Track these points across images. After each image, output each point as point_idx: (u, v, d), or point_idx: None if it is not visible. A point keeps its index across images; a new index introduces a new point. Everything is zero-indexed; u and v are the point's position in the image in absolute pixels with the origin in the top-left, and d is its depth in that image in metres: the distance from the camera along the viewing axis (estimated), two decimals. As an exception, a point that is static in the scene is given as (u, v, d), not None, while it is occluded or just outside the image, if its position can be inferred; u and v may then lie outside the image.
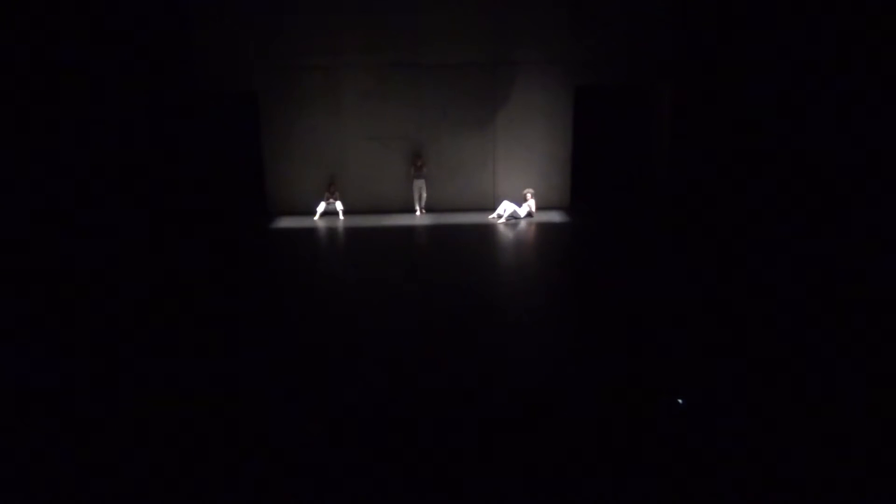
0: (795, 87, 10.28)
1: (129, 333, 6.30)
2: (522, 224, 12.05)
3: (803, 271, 7.96)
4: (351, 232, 11.84)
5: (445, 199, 13.51)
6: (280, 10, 12.76)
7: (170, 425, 4.39)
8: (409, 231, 11.81)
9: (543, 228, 11.66)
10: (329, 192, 13.10)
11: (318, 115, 13.22)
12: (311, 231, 11.90)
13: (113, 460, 3.94)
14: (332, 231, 11.93)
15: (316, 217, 12.91)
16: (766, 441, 3.95)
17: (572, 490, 3.52)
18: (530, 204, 12.50)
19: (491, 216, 12.59)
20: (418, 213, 13.14)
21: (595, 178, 13.47)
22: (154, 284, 8.29)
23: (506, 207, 12.35)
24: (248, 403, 4.67)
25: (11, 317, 6.84)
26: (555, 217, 12.61)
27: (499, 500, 3.44)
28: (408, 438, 4.09)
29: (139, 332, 6.31)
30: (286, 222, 12.65)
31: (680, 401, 4.24)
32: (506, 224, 12.11)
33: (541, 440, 4.04)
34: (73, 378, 5.20)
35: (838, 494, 3.41)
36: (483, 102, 13.23)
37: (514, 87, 13.17)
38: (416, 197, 13.16)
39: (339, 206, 13.00)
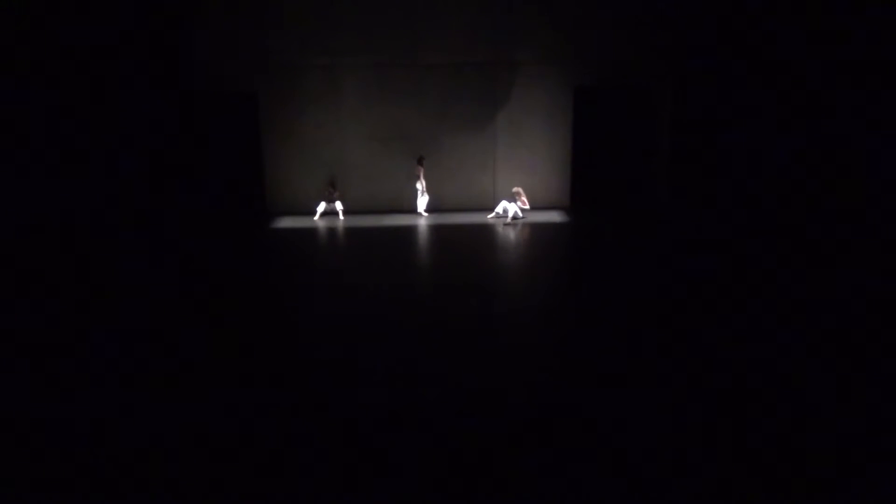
0: (795, 87, 10.28)
1: (128, 334, 6.31)
2: (522, 224, 12.05)
3: (803, 267, 7.96)
4: (351, 232, 11.84)
5: (445, 199, 13.50)
6: (280, 10, 12.77)
7: (169, 429, 4.41)
8: (410, 231, 11.81)
9: (543, 228, 11.66)
10: (329, 192, 13.10)
11: (318, 115, 13.22)
12: (312, 231, 11.90)
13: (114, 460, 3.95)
14: (332, 231, 11.94)
15: (316, 217, 12.91)
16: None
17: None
18: (520, 202, 12.35)
19: (490, 216, 12.59)
20: (422, 213, 13.13)
21: (595, 178, 13.46)
22: (153, 285, 8.30)
23: (505, 207, 12.34)
24: (246, 404, 4.68)
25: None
26: (555, 217, 12.60)
27: None
28: (408, 443, 4.10)
29: (138, 333, 6.32)
30: (286, 222, 12.65)
31: None
32: (505, 224, 12.11)
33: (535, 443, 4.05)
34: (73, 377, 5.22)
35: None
36: (483, 102, 13.23)
37: (514, 87, 13.17)
38: (419, 199, 13.16)
39: (339, 206, 13.00)
